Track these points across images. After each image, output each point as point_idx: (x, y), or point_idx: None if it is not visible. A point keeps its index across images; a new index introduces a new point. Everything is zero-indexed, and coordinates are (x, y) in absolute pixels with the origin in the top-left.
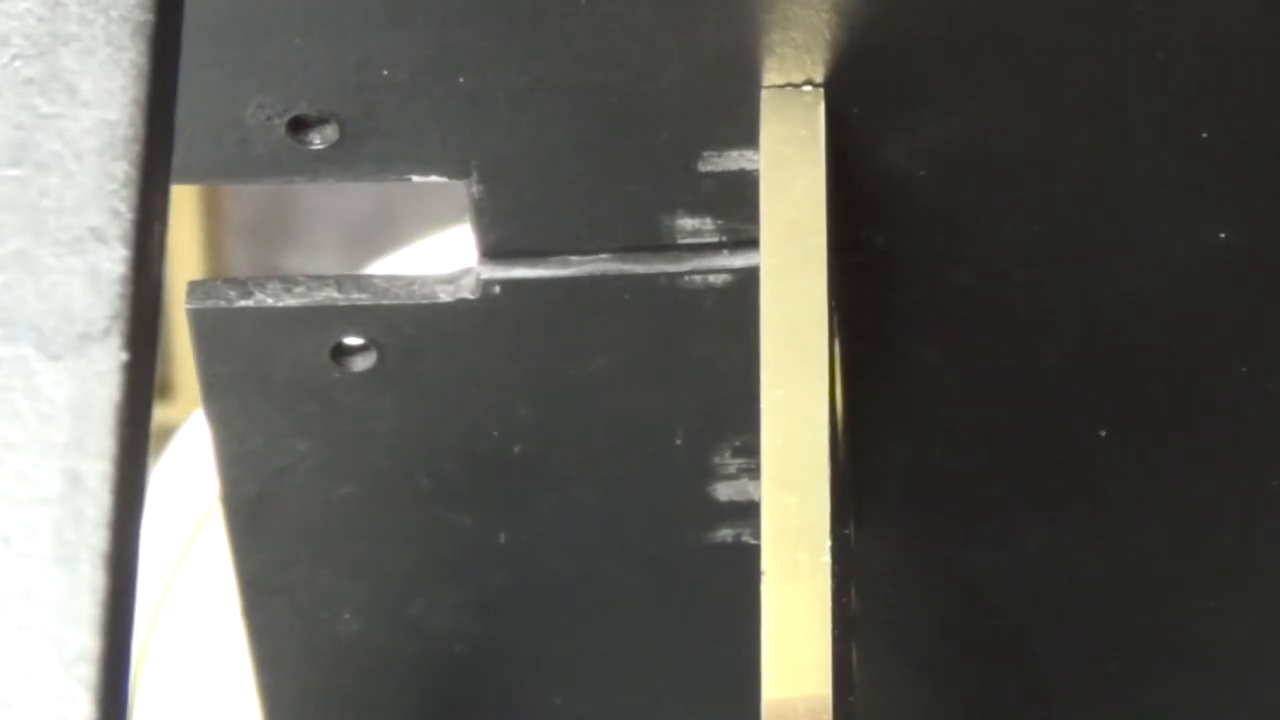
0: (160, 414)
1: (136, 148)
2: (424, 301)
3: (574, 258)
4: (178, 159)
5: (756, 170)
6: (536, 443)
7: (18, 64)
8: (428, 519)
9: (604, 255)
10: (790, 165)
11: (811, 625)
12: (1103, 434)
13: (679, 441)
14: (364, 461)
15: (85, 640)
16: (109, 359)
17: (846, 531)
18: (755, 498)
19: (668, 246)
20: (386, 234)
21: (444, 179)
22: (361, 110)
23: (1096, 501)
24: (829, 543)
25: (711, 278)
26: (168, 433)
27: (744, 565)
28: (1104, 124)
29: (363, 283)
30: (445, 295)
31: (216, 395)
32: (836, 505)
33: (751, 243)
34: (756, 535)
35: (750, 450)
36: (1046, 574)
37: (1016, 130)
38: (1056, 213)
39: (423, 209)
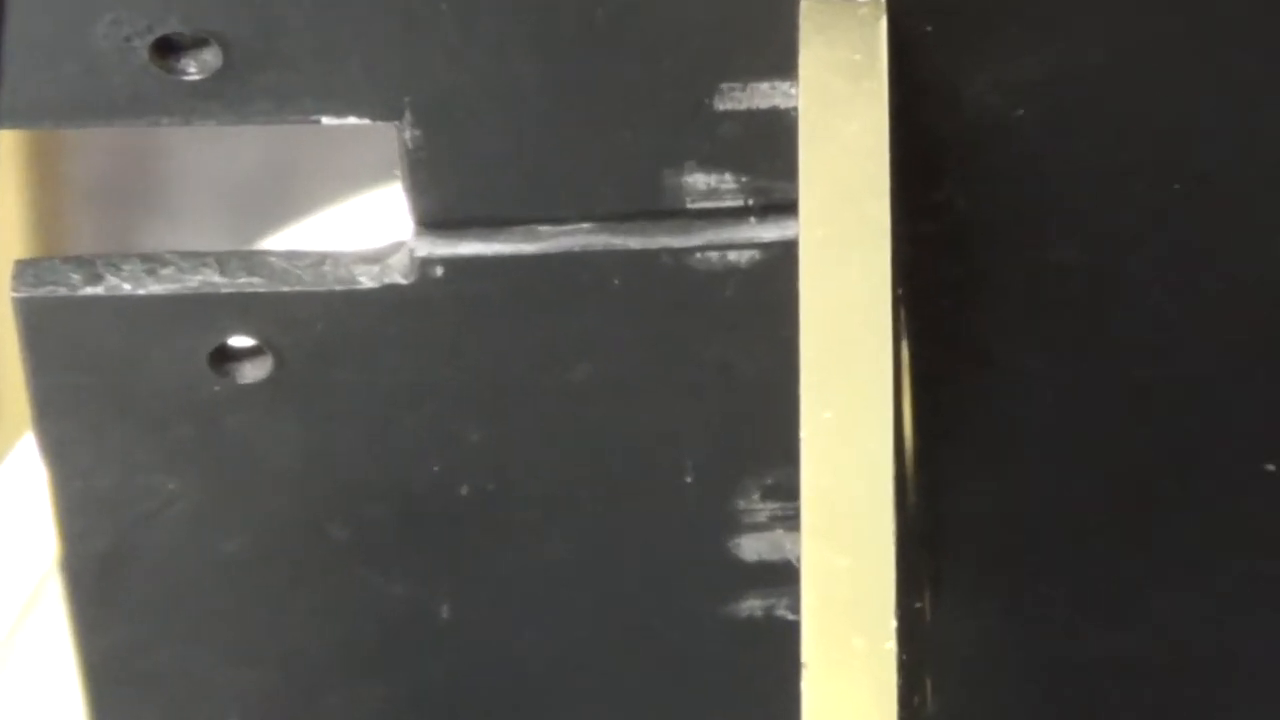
0: None
1: None
2: (338, 288)
3: (544, 228)
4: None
5: (794, 109)
6: (493, 481)
7: None
8: (344, 585)
9: (585, 225)
10: (840, 102)
11: None
12: (1271, 469)
13: (689, 479)
14: (256, 506)
15: None
16: None
17: (918, 605)
18: (793, 557)
19: (673, 212)
20: (287, 198)
21: (366, 121)
22: (253, 27)
23: (1261, 560)
24: (894, 622)
25: (732, 255)
26: None
27: (777, 650)
28: (1266, 61)
29: (254, 263)
30: (367, 280)
31: (53, 415)
32: (904, 570)
33: (786, 208)
34: (795, 609)
35: (785, 492)
36: (1194, 656)
37: (1148, 58)
38: (1202, 172)
39: (336, 164)
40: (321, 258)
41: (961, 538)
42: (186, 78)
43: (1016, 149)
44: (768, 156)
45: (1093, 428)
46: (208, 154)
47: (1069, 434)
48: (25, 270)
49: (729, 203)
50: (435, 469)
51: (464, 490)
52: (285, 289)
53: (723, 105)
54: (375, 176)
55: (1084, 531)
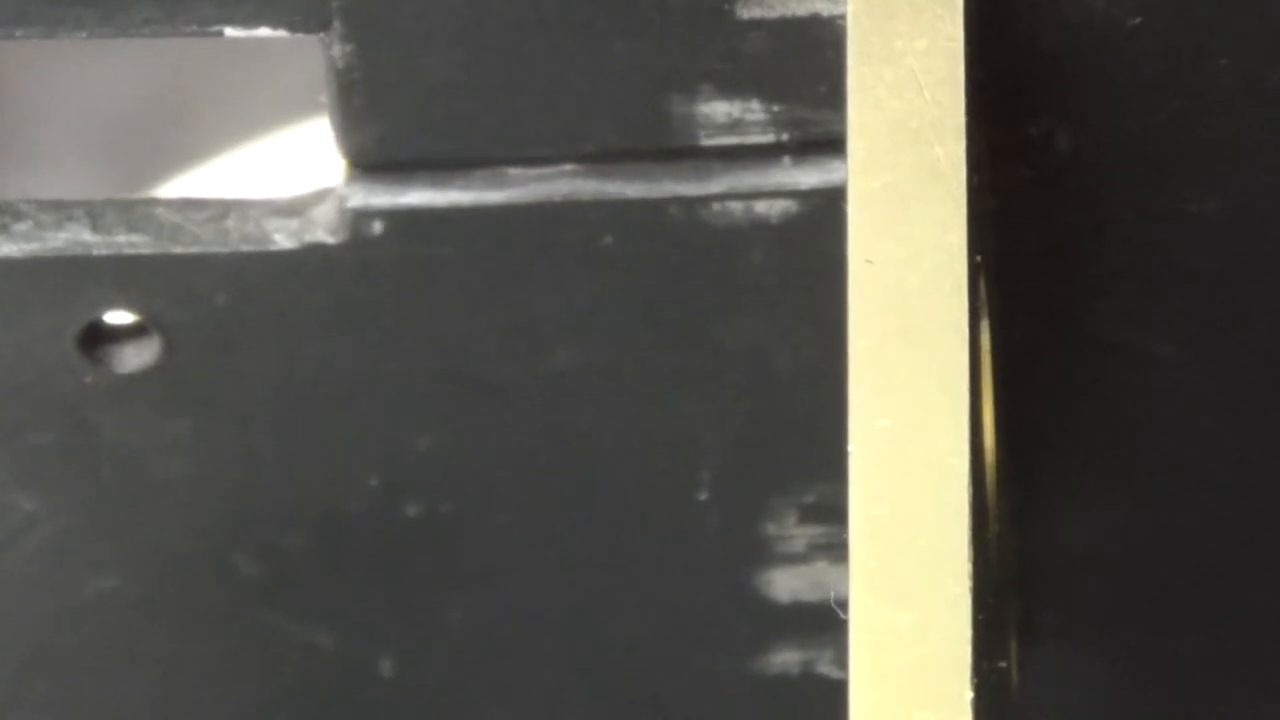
0: None
1: None
2: (245, 249)
3: (514, 171)
4: None
5: (840, 17)
6: (448, 500)
7: None
8: (255, 634)
9: (569, 167)
10: (902, 8)
11: None
12: None
13: (704, 496)
14: (140, 532)
15: None
16: None
17: (1002, 665)
18: (838, 598)
19: (683, 151)
20: (179, 136)
21: (282, 34)
22: None
23: None
24: (969, 692)
25: (761, 207)
26: None
27: (817, 718)
28: None
29: (135, 216)
30: (283, 238)
31: None
32: (984, 623)
33: (830, 146)
34: (841, 664)
35: (828, 514)
36: None
37: None
38: None
39: (244, 92)
40: (224, 209)
41: (1059, 580)
42: None
43: (1135, 68)
44: (806, 79)
45: (1237, 435)
46: (76, 78)
47: (1206, 443)
48: None
49: (756, 138)
50: (373, 484)
51: (410, 512)
52: (177, 250)
53: (747, 11)
54: (295, 107)
55: (1224, 572)
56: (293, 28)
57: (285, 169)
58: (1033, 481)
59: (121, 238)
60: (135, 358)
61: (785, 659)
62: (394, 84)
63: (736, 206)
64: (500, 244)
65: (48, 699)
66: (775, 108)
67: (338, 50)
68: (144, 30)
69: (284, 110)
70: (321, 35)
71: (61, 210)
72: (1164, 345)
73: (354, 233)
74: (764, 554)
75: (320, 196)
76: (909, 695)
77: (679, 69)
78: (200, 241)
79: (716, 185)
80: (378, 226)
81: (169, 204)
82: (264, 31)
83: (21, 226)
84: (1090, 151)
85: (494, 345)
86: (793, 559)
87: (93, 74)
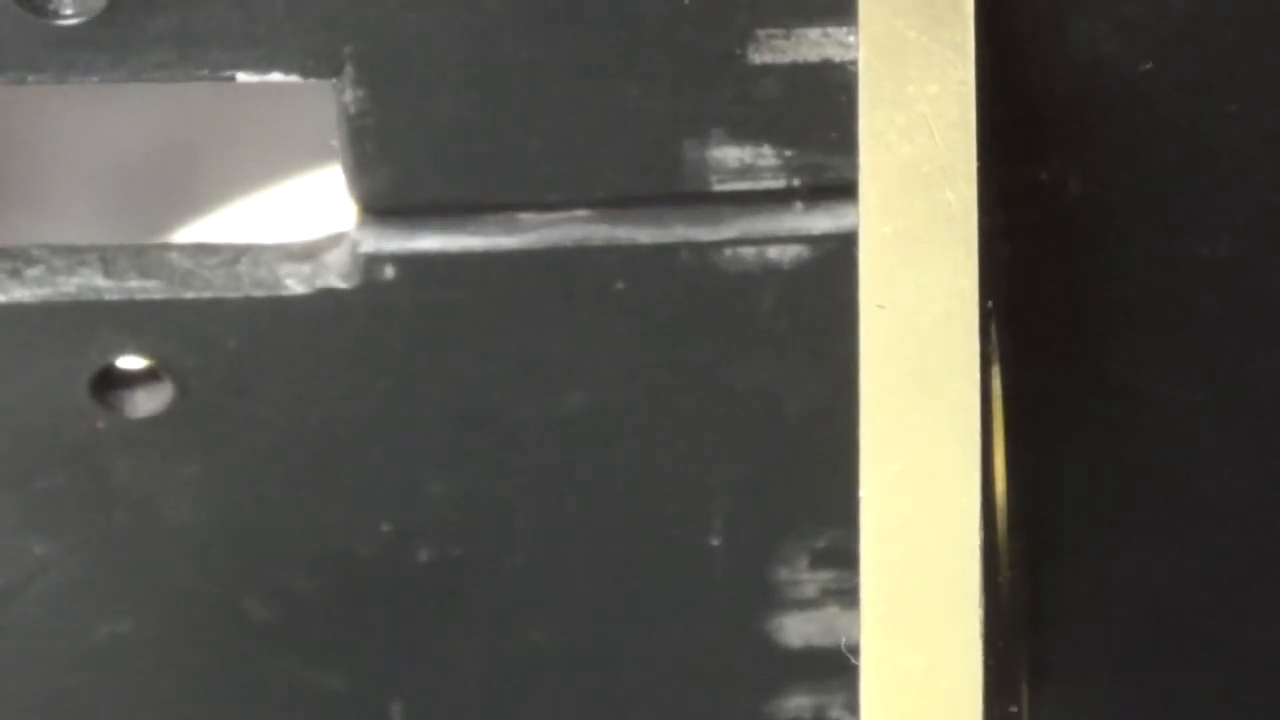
0: None
1: None
2: (257, 294)
3: (526, 216)
4: None
5: (852, 63)
6: (459, 545)
7: None
8: (265, 678)
9: (581, 212)
10: (912, 54)
11: None
12: None
13: (715, 541)
14: (152, 576)
15: None
16: None
17: (1013, 709)
18: (850, 644)
19: (695, 196)
20: (190, 183)
21: (295, 79)
22: None
23: None
24: None
25: (773, 252)
26: None
27: None
28: None
29: (148, 261)
30: (296, 283)
31: None
32: (995, 667)
33: (842, 191)
34: (853, 709)
35: (840, 559)
36: None
37: None
38: None
39: (256, 137)
40: (236, 254)
41: (1071, 623)
42: (61, 20)
43: (1145, 112)
44: (818, 124)
45: (1248, 477)
46: (88, 123)
47: (1217, 486)
48: None
49: (768, 184)
50: (385, 529)
51: (422, 556)
52: (189, 295)
53: (759, 57)
54: (307, 153)
55: (1236, 615)
56: (305, 73)
57: (298, 214)
58: (1044, 525)
59: (134, 283)
60: (147, 403)
61: (797, 704)
62: (406, 129)
63: (748, 251)
64: (512, 288)
65: None
66: (787, 153)
67: (349, 95)
68: (156, 75)
69: (296, 156)
70: (334, 80)
71: (74, 255)
72: (1175, 388)
73: (366, 277)
74: (775, 599)
75: (332, 241)
76: None
77: (691, 114)
78: (212, 286)
79: (728, 230)
80: (390, 271)
81: (181, 249)
82: (276, 76)
83: (34, 271)
84: (1101, 195)
85: (506, 389)
86: (804, 604)
87: (105, 119)
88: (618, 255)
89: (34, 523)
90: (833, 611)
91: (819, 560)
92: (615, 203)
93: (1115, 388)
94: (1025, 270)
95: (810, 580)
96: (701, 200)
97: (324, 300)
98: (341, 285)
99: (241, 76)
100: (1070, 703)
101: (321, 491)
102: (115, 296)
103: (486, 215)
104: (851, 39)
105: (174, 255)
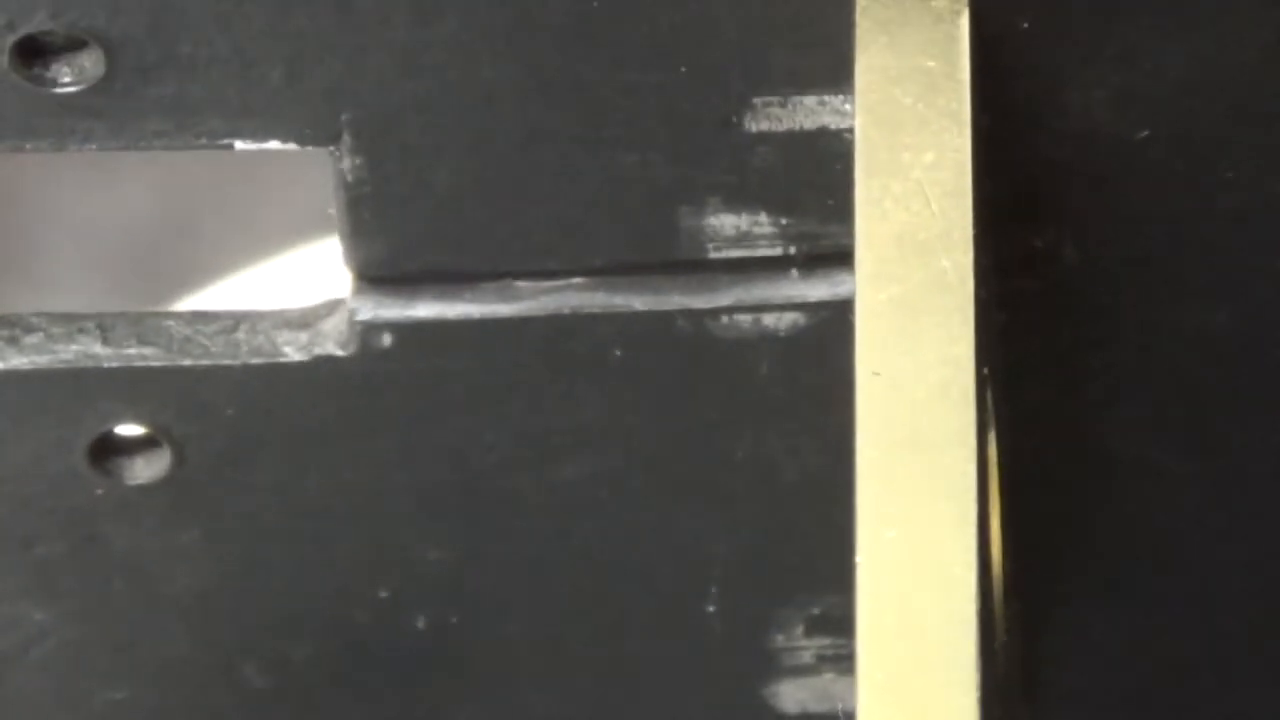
0: None
1: None
2: (255, 362)
3: (523, 284)
4: None
5: (848, 131)
6: (457, 612)
7: None
8: None
9: (578, 280)
10: (908, 123)
11: None
12: None
13: (711, 607)
14: (150, 644)
15: None
16: None
17: None
18: (846, 709)
19: (691, 264)
20: (188, 251)
21: (292, 147)
22: (144, 23)
23: None
24: None
25: (768, 319)
26: None
27: None
28: None
29: (146, 328)
30: (293, 350)
31: None
32: None
33: (838, 259)
34: None
35: (836, 625)
36: None
37: None
38: None
39: (253, 206)
40: (234, 322)
41: (1068, 690)
42: (59, 89)
43: (1141, 180)
44: (814, 192)
45: (1243, 546)
46: (86, 192)
47: (1212, 554)
48: None
49: (764, 251)
50: (382, 595)
51: (420, 623)
52: (187, 362)
53: (755, 125)
54: (305, 222)
55: (1233, 683)
56: (302, 141)
57: (294, 283)
58: (1039, 591)
59: (132, 350)
60: (145, 470)
61: None
62: (403, 197)
63: (744, 319)
64: (509, 356)
65: None
66: (783, 220)
67: (347, 164)
68: (154, 143)
69: (294, 225)
70: (331, 149)
71: (72, 323)
72: (1170, 456)
73: (363, 345)
74: (772, 665)
75: (330, 309)
76: None
77: (687, 182)
78: (210, 354)
79: (724, 298)
80: (387, 339)
81: (179, 316)
82: (273, 145)
83: (32, 339)
84: (1097, 263)
85: (503, 456)
86: (800, 670)
87: (103, 188)
88: (614, 323)
89: (32, 589)
90: (829, 678)
91: (815, 626)
92: (612, 270)
93: (1111, 455)
94: (1021, 338)
95: (806, 646)
96: (698, 268)
97: (321, 368)
98: (339, 353)
99: (239, 145)
100: None
101: (319, 558)
102: (113, 364)
103: (483, 283)
104: (848, 107)
105: (172, 323)
